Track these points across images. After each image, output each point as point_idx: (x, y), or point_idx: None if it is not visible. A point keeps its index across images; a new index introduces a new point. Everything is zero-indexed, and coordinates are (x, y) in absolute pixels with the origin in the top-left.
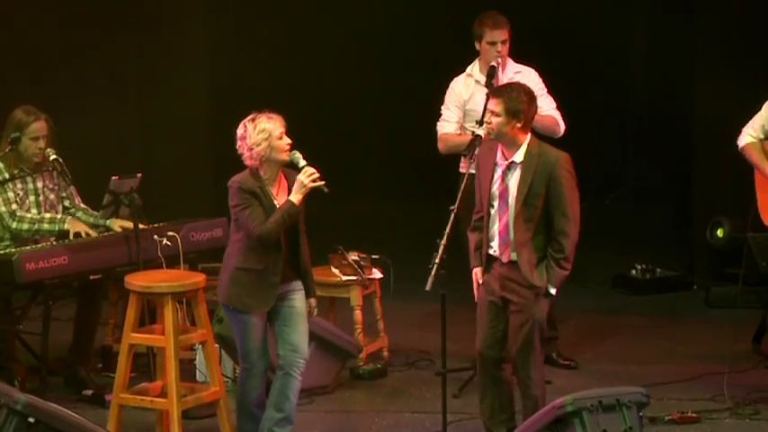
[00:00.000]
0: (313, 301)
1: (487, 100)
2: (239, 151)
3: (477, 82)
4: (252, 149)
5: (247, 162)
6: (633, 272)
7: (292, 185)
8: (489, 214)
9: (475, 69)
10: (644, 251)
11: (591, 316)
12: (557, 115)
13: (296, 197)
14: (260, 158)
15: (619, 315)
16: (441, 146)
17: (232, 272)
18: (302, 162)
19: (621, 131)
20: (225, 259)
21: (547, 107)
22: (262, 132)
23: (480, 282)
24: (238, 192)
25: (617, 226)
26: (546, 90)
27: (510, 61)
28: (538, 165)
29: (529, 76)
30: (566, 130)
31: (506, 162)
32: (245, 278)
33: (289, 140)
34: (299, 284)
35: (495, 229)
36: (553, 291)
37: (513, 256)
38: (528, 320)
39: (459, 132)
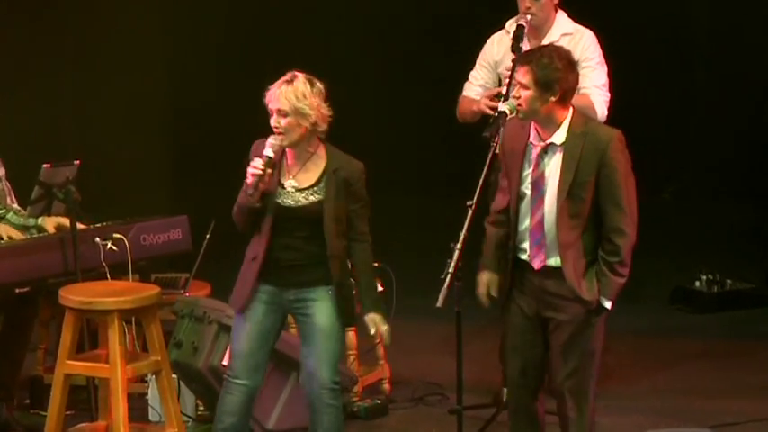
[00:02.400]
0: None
1: (513, 68)
2: (307, 111)
3: None
4: (321, 111)
5: (320, 125)
6: (697, 284)
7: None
8: (518, 209)
9: (514, 26)
10: (710, 258)
11: (645, 339)
12: (597, 96)
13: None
14: (326, 122)
15: (679, 338)
16: (457, 111)
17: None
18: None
19: (684, 110)
20: None
21: (586, 84)
22: (321, 93)
23: (484, 288)
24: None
25: (677, 227)
26: (597, 61)
27: (563, 20)
28: (584, 147)
29: (579, 40)
30: (608, 116)
31: (543, 144)
32: (242, 268)
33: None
34: (323, 292)
35: (526, 227)
36: (607, 304)
37: (552, 262)
38: (578, 342)
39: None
